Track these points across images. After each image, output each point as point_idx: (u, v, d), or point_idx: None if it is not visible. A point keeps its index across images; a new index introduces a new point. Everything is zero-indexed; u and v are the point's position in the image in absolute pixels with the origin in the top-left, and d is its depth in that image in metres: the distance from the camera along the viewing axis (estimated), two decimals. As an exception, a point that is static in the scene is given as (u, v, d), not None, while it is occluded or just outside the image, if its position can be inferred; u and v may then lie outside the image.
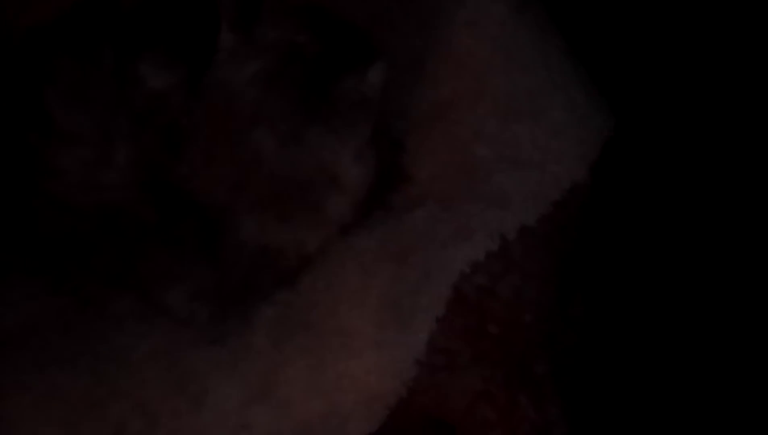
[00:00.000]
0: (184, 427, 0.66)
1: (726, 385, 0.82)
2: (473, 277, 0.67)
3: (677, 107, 0.89)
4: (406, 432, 0.70)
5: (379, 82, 0.66)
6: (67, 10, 0.75)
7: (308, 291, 0.69)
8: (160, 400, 0.66)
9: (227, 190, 0.67)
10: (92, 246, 0.67)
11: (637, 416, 0.81)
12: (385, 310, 0.67)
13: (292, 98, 0.65)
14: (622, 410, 0.80)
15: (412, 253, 0.67)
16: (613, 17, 0.91)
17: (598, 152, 0.76)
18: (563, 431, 0.68)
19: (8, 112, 0.69)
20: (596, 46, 0.86)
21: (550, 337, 0.71)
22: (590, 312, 0.78)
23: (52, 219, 0.67)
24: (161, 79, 0.69)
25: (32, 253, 0.69)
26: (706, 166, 0.87)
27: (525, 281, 0.69)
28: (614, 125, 0.80)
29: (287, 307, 0.68)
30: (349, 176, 0.67)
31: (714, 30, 0.91)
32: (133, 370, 0.66)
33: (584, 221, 0.75)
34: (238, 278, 0.69)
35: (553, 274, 0.72)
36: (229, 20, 0.65)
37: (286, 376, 0.66)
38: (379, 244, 0.68)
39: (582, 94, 0.78)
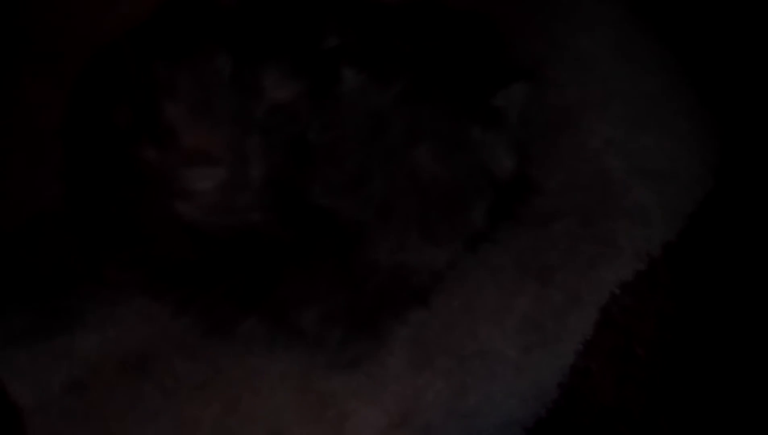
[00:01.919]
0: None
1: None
2: (621, 298, 0.64)
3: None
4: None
5: (519, 102, 0.62)
6: (156, 8, 0.70)
7: (443, 310, 0.66)
8: (297, 427, 0.63)
9: (372, 208, 0.63)
10: (222, 269, 0.64)
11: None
12: (529, 332, 0.64)
13: (442, 107, 0.61)
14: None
15: (556, 271, 0.64)
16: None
17: (721, 158, 0.73)
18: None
19: (119, 125, 0.64)
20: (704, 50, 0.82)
21: (687, 359, 0.68)
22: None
23: (177, 242, 0.63)
24: (285, 90, 0.65)
25: (153, 275, 0.65)
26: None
27: (668, 300, 0.67)
28: (730, 131, 0.77)
29: (422, 327, 0.66)
30: (505, 169, 0.64)
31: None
32: (265, 395, 0.63)
33: (718, 234, 0.72)
34: (370, 298, 0.66)
35: (689, 292, 0.70)
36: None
37: (426, 401, 0.63)
38: (516, 261, 0.66)
39: (697, 98, 0.75)
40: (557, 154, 0.71)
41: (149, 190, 0.63)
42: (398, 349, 0.65)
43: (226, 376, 0.64)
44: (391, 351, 0.65)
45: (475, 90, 0.63)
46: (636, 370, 0.65)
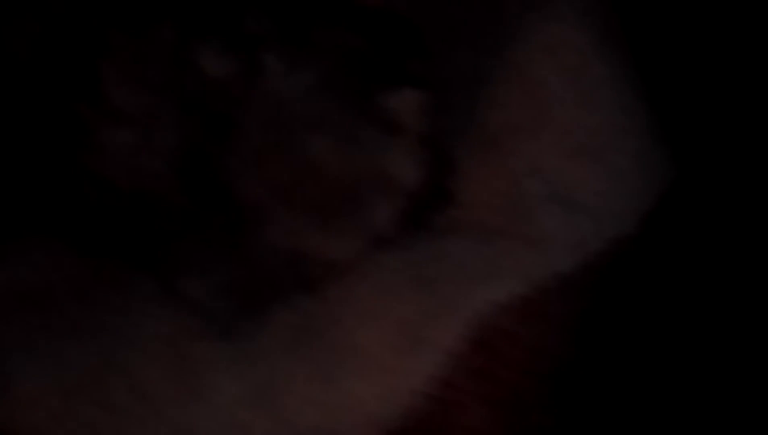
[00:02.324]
0: (178, 416, 0.65)
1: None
2: (494, 319, 0.63)
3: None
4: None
5: (410, 108, 0.63)
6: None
7: (331, 302, 0.67)
8: (160, 385, 0.65)
9: (272, 191, 0.65)
10: (123, 225, 0.67)
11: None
12: (399, 335, 0.64)
13: (346, 102, 0.63)
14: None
15: (439, 281, 0.64)
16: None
17: (654, 205, 0.71)
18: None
19: (61, 82, 0.69)
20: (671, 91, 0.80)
21: (564, 392, 0.66)
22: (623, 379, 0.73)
23: (87, 191, 0.67)
24: (221, 67, 0.68)
25: (61, 217, 0.69)
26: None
27: (549, 330, 0.65)
28: (675, 179, 0.74)
29: (306, 315, 0.67)
30: (400, 176, 0.64)
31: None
32: (139, 350, 0.66)
33: (625, 277, 0.70)
34: (261, 278, 0.68)
35: (580, 327, 0.67)
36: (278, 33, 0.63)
37: (290, 385, 0.64)
38: (408, 266, 0.66)
39: (649, 141, 0.73)
40: (483, 171, 0.71)
41: (69, 139, 0.67)
42: (277, 331, 0.66)
43: (111, 324, 0.67)
44: (270, 332, 0.66)
45: (373, 91, 0.63)
46: (500, 393, 0.63)
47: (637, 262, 0.73)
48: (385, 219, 0.67)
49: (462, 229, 0.69)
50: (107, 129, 0.67)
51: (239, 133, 0.66)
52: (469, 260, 0.66)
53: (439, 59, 0.73)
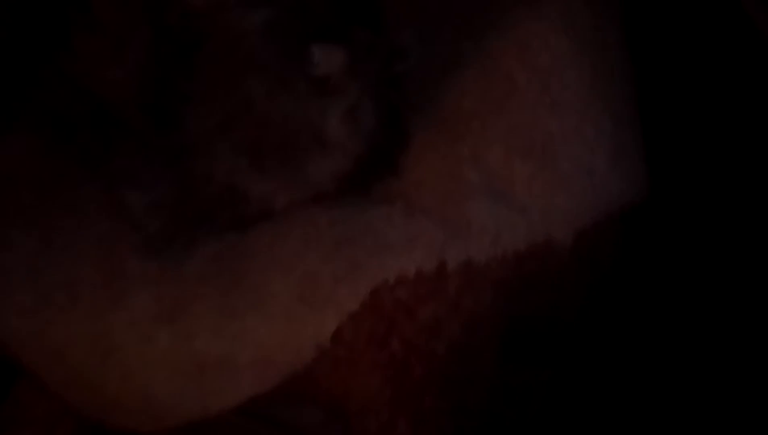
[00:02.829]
0: (98, 319, 0.69)
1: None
2: (395, 290, 0.65)
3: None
4: (298, 403, 0.70)
5: (330, 64, 0.64)
6: None
7: (256, 243, 0.70)
8: (87, 286, 0.69)
9: (217, 126, 0.68)
10: (84, 128, 0.71)
11: None
12: (307, 287, 0.66)
13: (289, 50, 0.65)
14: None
15: (353, 243, 0.67)
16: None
17: (593, 222, 0.72)
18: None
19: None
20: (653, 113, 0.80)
21: (462, 382, 0.68)
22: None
23: (58, 90, 0.71)
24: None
25: (36, 112, 0.73)
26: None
27: (452, 315, 0.67)
28: (631, 200, 0.75)
29: (231, 250, 0.70)
30: (336, 137, 0.66)
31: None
32: (74, 248, 0.70)
33: (548, 284, 0.71)
34: (196, 206, 0.71)
35: (495, 324, 0.69)
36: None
37: (196, 309, 0.67)
38: (333, 224, 0.69)
39: (606, 157, 0.74)
40: (428, 148, 0.73)
41: (51, 39, 0.71)
42: (202, 259, 0.69)
43: (57, 218, 0.71)
44: (195, 259, 0.69)
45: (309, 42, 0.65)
46: (389, 363, 0.66)
47: (564, 273, 0.73)
48: (322, 175, 0.69)
49: (394, 200, 0.70)
50: (84, 35, 0.71)
51: (199, 65, 0.69)
52: (390, 231, 0.68)
53: (415, 33, 0.75)
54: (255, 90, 0.66)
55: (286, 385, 0.70)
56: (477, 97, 0.74)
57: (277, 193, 0.71)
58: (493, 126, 0.73)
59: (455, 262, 0.67)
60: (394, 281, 0.66)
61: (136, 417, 0.73)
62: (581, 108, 0.75)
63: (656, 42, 0.88)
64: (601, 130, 0.75)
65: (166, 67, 0.70)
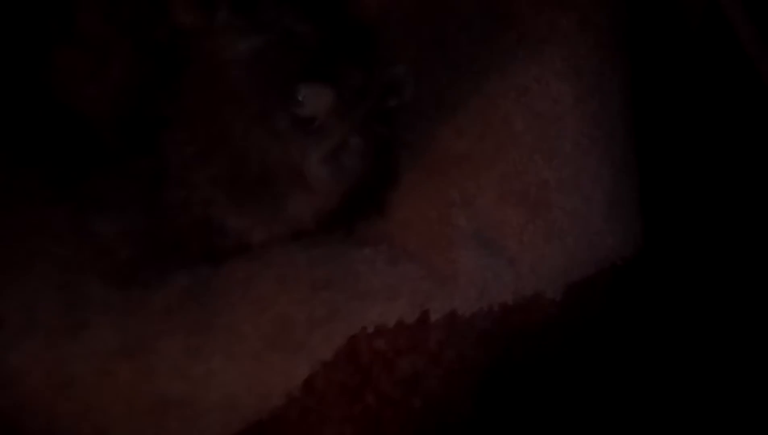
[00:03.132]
0: (55, 347, 0.65)
1: None
2: (374, 339, 0.61)
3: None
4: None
5: (316, 105, 0.61)
6: None
7: (229, 280, 0.66)
8: (47, 312, 0.65)
9: (192, 153, 0.65)
10: (59, 145, 0.67)
11: None
12: (279, 331, 0.63)
13: (274, 84, 0.61)
14: None
15: (331, 286, 0.63)
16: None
17: (584, 275, 0.68)
18: None
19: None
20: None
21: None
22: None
23: (35, 105, 0.67)
24: (189, 19, 0.67)
25: (14, 128, 0.69)
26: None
27: (431, 368, 0.63)
28: (624, 254, 0.71)
29: (202, 285, 0.66)
30: (316, 177, 0.63)
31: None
32: (37, 272, 0.66)
33: (537, 339, 0.67)
34: (170, 235, 0.67)
35: (475, 376, 0.65)
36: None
37: (161, 345, 0.64)
38: (312, 265, 0.65)
39: (606, 208, 0.71)
40: (417, 191, 0.70)
41: (33, 52, 0.67)
42: (170, 292, 0.66)
43: (21, 237, 0.67)
44: (163, 292, 0.66)
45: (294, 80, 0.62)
46: (359, 415, 0.62)
47: (551, 326, 0.70)
48: (302, 213, 0.66)
49: (378, 242, 0.67)
50: (64, 47, 0.67)
51: (182, 88, 0.65)
52: (372, 276, 0.64)
53: (409, 68, 0.71)
54: (233, 122, 0.62)
55: (252, 431, 0.65)
56: (471, 139, 0.71)
57: (254, 229, 0.67)
58: (486, 171, 0.69)
59: (439, 313, 0.63)
60: (372, 330, 0.62)
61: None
62: (579, 157, 0.71)
63: (657, 88, 0.86)
64: (597, 181, 0.72)
65: (147, 87, 0.67)
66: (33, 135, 0.68)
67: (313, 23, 0.63)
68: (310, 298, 0.63)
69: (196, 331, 0.64)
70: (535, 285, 0.67)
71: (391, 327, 0.62)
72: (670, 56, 0.86)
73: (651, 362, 0.76)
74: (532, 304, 0.67)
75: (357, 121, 0.63)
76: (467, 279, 0.65)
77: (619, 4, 0.80)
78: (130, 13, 0.69)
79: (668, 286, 0.80)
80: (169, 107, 0.66)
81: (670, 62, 0.87)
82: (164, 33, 0.68)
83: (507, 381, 0.71)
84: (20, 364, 0.66)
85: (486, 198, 0.68)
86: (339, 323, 0.62)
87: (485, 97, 0.72)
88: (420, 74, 0.72)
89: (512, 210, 0.68)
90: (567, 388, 0.73)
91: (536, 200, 0.69)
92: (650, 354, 0.77)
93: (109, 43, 0.68)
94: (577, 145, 0.72)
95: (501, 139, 0.70)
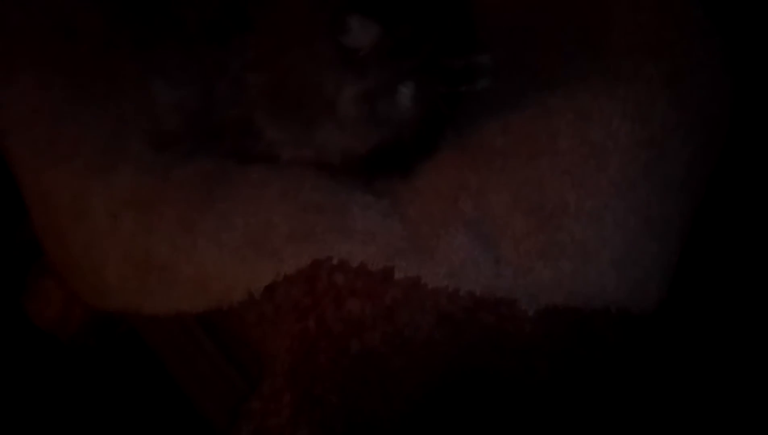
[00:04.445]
0: (84, 179, 0.74)
1: None
2: (334, 271, 0.65)
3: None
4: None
5: (362, 38, 0.64)
6: None
7: (243, 175, 0.72)
8: (89, 146, 0.74)
9: (252, 58, 0.71)
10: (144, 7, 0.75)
11: None
12: (261, 234, 0.68)
13: (325, 7, 0.66)
14: None
15: (320, 213, 0.68)
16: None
17: (568, 305, 0.68)
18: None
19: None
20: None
21: (366, 396, 0.67)
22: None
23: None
24: None
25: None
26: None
27: (378, 322, 0.66)
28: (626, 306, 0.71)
29: (220, 172, 0.72)
30: (345, 113, 0.67)
31: None
32: (93, 110, 0.75)
33: (513, 350, 0.68)
34: (214, 122, 0.74)
35: (433, 359, 0.67)
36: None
37: (163, 209, 0.71)
38: (315, 188, 0.70)
39: (619, 256, 0.71)
40: (445, 165, 0.72)
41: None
42: (189, 169, 0.73)
43: (87, 81, 0.75)
44: (184, 168, 0.73)
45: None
46: (297, 335, 0.65)
47: (524, 346, 0.70)
48: (330, 145, 0.71)
49: (384, 195, 0.70)
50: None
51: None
52: (360, 218, 0.68)
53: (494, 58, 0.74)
54: (285, 38, 0.67)
55: (214, 317, 0.70)
56: (512, 140, 0.72)
57: (285, 145, 0.72)
58: (512, 171, 0.70)
59: (402, 273, 0.65)
60: (336, 262, 0.65)
61: (89, 286, 0.76)
62: (610, 196, 0.71)
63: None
64: (620, 226, 0.71)
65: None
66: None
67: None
68: (297, 216, 0.67)
69: (196, 208, 0.70)
70: (510, 290, 0.67)
71: (354, 266, 0.64)
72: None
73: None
74: (502, 307, 0.67)
75: (403, 74, 0.66)
76: (444, 255, 0.66)
77: (721, 81, 0.78)
78: None
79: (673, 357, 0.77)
80: (254, 10, 0.71)
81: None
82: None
83: (466, 383, 0.71)
84: (51, 185, 0.74)
85: (500, 195, 0.69)
86: (310, 245, 0.65)
87: (544, 108, 0.73)
88: (497, 70, 0.75)
89: (521, 216, 0.69)
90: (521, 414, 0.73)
91: (549, 217, 0.69)
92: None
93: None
94: (613, 185, 0.71)
95: (540, 149, 0.71)
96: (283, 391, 0.65)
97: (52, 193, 0.74)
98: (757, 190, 0.83)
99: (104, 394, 0.97)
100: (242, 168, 0.72)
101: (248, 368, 0.78)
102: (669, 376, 0.80)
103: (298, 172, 0.71)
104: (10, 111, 0.74)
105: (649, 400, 0.77)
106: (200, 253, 0.69)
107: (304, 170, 0.71)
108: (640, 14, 0.78)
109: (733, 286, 0.83)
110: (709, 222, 0.81)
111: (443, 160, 0.73)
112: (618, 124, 0.72)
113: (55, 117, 0.74)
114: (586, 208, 0.70)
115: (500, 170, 0.71)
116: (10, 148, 0.74)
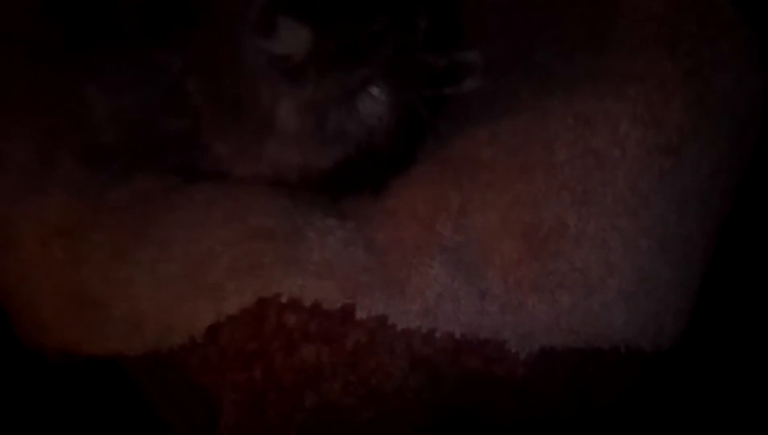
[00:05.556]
0: (10, 204, 0.64)
1: None
2: (285, 312, 0.55)
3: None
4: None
5: (292, 44, 0.54)
6: None
7: (186, 196, 0.63)
8: (16, 163, 0.65)
9: (193, 60, 0.61)
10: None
11: None
12: (201, 266, 0.58)
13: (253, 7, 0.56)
14: None
15: (270, 240, 0.57)
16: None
17: (568, 346, 0.58)
18: None
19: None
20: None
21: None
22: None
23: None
24: None
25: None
26: None
27: (339, 370, 0.55)
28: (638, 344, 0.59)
29: (160, 192, 0.64)
30: (285, 127, 0.57)
31: None
32: (25, 122, 0.65)
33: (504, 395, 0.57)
34: (156, 136, 0.64)
35: (409, 413, 0.57)
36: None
37: (95, 237, 0.63)
38: (265, 211, 0.60)
39: (627, 285, 0.60)
40: (419, 179, 0.62)
41: None
42: (125, 188, 0.64)
43: (18, 87, 0.66)
44: (119, 187, 0.64)
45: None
46: (242, 386, 0.55)
47: (515, 395, 0.59)
48: (278, 159, 0.60)
49: (350, 218, 0.59)
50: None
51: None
52: (316, 247, 0.58)
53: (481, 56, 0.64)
54: (221, 39, 0.57)
55: (154, 360, 0.60)
56: (502, 150, 0.61)
57: (235, 160, 0.62)
58: (500, 188, 0.60)
59: (367, 312, 0.55)
60: (286, 300, 0.54)
61: (26, 324, 0.67)
62: (618, 215, 0.60)
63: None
64: (630, 250, 0.60)
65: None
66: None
67: None
68: (242, 244, 0.57)
69: (132, 235, 0.60)
70: (498, 330, 0.56)
71: (307, 306, 0.54)
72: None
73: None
74: (489, 350, 0.57)
75: (359, 81, 0.56)
76: (417, 289, 0.55)
77: (750, 78, 0.67)
78: None
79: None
80: (197, 7, 0.61)
81: None
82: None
83: (456, 424, 0.61)
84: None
85: (486, 217, 0.58)
86: (255, 279, 0.55)
87: (539, 111, 0.62)
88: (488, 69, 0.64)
89: (511, 241, 0.58)
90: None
91: (544, 241, 0.58)
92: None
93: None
94: (621, 201, 0.60)
95: (534, 160, 0.60)
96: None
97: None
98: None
99: (92, 411, 0.87)
100: (186, 187, 0.62)
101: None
102: (689, 421, 0.69)
103: (250, 192, 0.60)
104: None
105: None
106: (135, 288, 0.59)
107: (259, 189, 0.61)
108: (653, 2, 0.66)
109: (765, 315, 0.71)
110: (736, 241, 0.69)
111: (421, 175, 0.62)
112: (626, 129, 0.61)
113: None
114: (588, 230, 0.59)
115: (487, 186, 0.60)
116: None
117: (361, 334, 0.55)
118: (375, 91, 0.59)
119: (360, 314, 0.55)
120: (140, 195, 0.62)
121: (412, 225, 0.59)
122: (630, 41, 0.65)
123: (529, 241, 0.59)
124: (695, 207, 0.64)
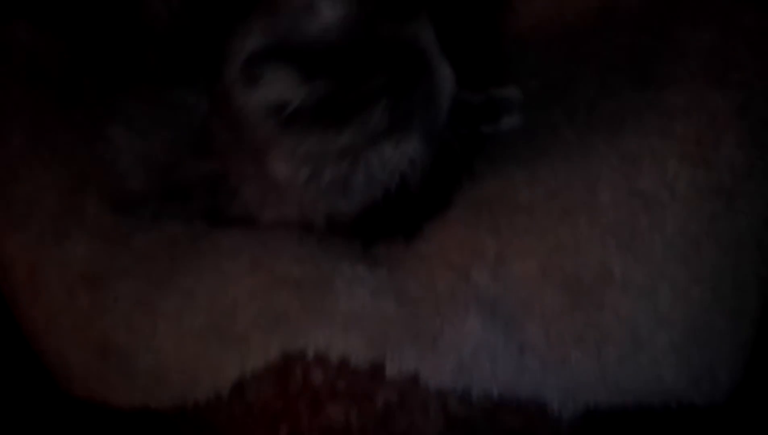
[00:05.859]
0: (40, 249, 0.63)
1: None
2: (311, 370, 0.52)
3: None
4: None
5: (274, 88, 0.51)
6: None
7: (212, 242, 0.61)
8: (43, 209, 0.64)
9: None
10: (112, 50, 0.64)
11: None
12: (227, 317, 0.56)
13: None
14: None
15: (298, 290, 0.55)
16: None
17: (615, 404, 0.54)
18: None
19: None
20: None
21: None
22: None
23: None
24: None
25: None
26: None
27: (371, 430, 0.52)
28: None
29: (187, 240, 0.61)
30: (285, 180, 0.57)
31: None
32: (50, 167, 0.64)
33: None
34: (183, 181, 0.62)
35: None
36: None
37: (120, 286, 0.60)
38: (295, 259, 0.57)
39: (679, 337, 0.56)
40: (454, 223, 0.59)
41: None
42: (151, 235, 0.62)
43: (45, 133, 0.66)
44: (145, 234, 0.62)
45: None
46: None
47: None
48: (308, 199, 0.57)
49: (380, 266, 0.56)
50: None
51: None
52: (344, 296, 0.55)
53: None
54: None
55: (178, 415, 0.58)
56: (541, 192, 0.58)
57: (264, 204, 0.59)
58: (541, 233, 0.56)
59: (398, 370, 0.51)
60: (313, 356, 0.51)
61: (56, 367, 0.65)
62: (668, 262, 0.56)
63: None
64: (681, 299, 0.56)
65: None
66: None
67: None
68: (268, 293, 0.54)
69: (157, 283, 0.58)
70: (538, 387, 0.53)
71: (334, 362, 0.51)
72: None
73: None
74: (530, 409, 0.53)
75: (362, 136, 0.53)
76: (451, 345, 0.52)
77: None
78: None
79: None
80: (220, 48, 0.59)
81: None
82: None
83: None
84: (10, 255, 0.63)
85: (525, 265, 0.55)
86: (280, 333, 0.53)
87: (581, 150, 0.59)
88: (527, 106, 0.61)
89: (552, 291, 0.55)
90: None
91: (588, 291, 0.55)
92: None
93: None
94: (670, 247, 0.56)
95: (575, 203, 0.57)
96: None
97: (9, 263, 0.64)
98: None
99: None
100: (213, 232, 0.60)
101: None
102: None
103: (278, 237, 0.58)
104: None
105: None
106: (159, 339, 0.57)
107: (287, 235, 0.58)
108: (702, 32, 0.62)
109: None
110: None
111: (455, 219, 0.59)
112: (675, 169, 0.58)
113: (11, 174, 0.63)
114: (635, 278, 0.55)
115: (525, 231, 0.56)
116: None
117: (392, 392, 0.52)
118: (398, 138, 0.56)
119: (390, 371, 0.52)
120: (166, 241, 0.60)
121: (446, 273, 0.55)
122: (677, 74, 0.62)
123: (572, 291, 0.55)
124: (750, 251, 0.60)
